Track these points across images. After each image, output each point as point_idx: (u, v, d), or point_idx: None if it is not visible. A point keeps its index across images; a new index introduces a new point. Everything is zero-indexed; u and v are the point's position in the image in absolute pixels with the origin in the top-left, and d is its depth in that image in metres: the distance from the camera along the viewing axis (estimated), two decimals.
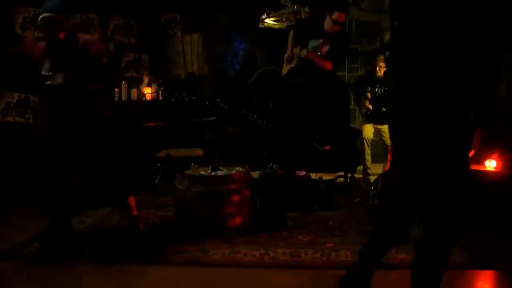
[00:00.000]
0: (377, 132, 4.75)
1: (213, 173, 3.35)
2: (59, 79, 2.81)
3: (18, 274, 2.66)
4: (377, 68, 4.67)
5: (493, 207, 3.20)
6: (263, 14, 4.51)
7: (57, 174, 2.97)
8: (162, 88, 5.26)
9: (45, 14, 2.78)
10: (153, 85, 5.25)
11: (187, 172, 3.39)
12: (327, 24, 4.02)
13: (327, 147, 4.22)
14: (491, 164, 3.49)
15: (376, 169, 4.70)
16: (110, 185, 3.17)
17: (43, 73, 2.85)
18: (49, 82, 2.85)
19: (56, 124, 2.95)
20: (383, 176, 3.79)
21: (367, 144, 4.67)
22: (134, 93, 5.08)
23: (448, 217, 1.76)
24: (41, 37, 4.38)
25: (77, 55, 2.88)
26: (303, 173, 4.02)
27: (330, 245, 2.98)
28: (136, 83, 5.23)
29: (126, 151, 3.15)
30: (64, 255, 2.88)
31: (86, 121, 2.95)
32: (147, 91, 5.15)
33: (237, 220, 3.21)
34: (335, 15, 3.98)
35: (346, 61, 5.74)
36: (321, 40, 3.99)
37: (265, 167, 4.07)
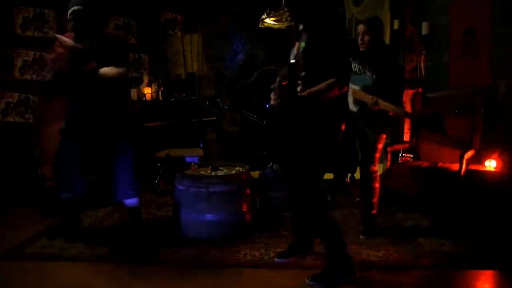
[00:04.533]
0: None
1: (213, 173, 3.35)
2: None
3: (18, 274, 2.66)
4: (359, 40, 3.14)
5: (493, 207, 3.20)
6: (263, 14, 4.50)
7: (76, 171, 3.02)
8: (162, 88, 5.26)
9: (75, 7, 2.80)
10: (153, 85, 5.25)
11: (187, 172, 3.39)
12: None
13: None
14: (491, 164, 3.49)
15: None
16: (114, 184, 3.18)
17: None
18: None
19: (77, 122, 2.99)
20: (383, 176, 3.78)
21: None
22: (134, 93, 5.08)
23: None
24: (42, 37, 4.42)
25: (108, 51, 2.90)
26: None
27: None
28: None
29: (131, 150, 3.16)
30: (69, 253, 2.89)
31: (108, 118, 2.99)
32: (147, 91, 5.15)
33: (237, 220, 3.21)
34: None
35: None
36: None
37: (265, 167, 4.06)
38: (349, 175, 4.41)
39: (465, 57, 3.96)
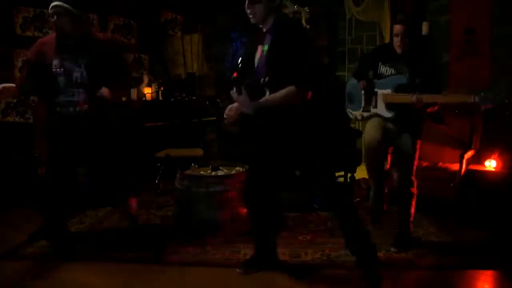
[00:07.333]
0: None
1: (213, 173, 3.35)
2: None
3: (18, 274, 2.66)
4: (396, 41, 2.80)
5: (493, 207, 3.20)
6: None
7: (62, 176, 2.90)
8: (162, 88, 5.26)
9: (57, 2, 2.61)
10: (153, 85, 5.25)
11: (187, 172, 3.39)
12: None
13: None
14: (491, 164, 3.49)
15: None
16: (111, 185, 3.15)
17: (53, 70, 2.73)
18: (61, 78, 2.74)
19: (61, 126, 2.86)
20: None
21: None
22: (134, 93, 5.08)
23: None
24: (42, 37, 4.41)
25: (93, 52, 2.75)
26: None
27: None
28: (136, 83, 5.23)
29: (126, 151, 3.11)
30: (64, 255, 2.88)
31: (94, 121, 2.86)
32: (147, 91, 5.15)
33: (237, 220, 3.21)
34: None
35: (346, 60, 5.71)
36: None
37: None
38: (349, 175, 4.41)
39: (465, 57, 3.96)
